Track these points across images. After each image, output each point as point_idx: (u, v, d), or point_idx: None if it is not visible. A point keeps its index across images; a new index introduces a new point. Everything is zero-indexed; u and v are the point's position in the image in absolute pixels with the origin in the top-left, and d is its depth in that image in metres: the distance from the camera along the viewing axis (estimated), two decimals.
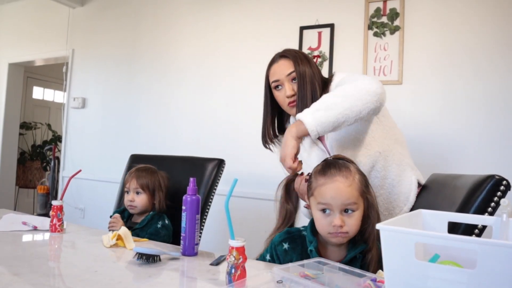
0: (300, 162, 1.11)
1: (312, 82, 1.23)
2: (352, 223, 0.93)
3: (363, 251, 0.97)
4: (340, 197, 0.93)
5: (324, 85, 1.27)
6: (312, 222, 1.03)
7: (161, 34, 3.16)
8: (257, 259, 1.12)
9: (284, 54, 1.28)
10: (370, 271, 0.93)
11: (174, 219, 1.47)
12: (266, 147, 1.38)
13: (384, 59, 2.28)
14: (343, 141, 1.22)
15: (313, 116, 1.04)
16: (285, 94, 1.25)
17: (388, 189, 1.27)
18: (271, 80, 1.29)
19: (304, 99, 1.22)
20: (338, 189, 0.93)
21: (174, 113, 3.03)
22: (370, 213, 0.97)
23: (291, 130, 1.07)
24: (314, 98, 1.21)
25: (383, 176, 1.26)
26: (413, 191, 1.28)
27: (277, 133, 1.38)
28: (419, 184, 1.32)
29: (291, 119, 1.36)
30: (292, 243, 1.04)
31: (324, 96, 1.09)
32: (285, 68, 1.25)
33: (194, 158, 1.71)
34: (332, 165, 0.98)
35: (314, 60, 2.47)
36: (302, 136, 1.07)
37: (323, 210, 0.95)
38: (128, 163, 1.80)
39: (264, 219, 2.55)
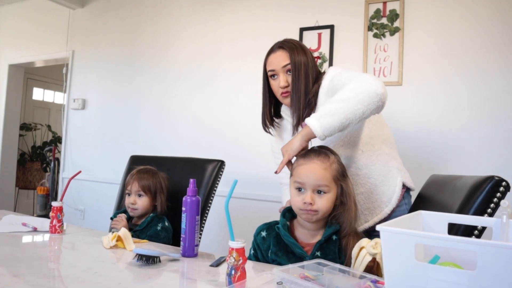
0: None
1: (307, 74, 1.27)
2: (322, 203, 1.01)
3: (338, 234, 1.03)
4: (314, 176, 1.01)
5: (317, 78, 1.29)
6: (286, 210, 1.12)
7: (161, 36, 3.17)
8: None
9: (282, 45, 1.31)
10: (345, 256, 0.99)
11: (174, 221, 1.46)
12: (266, 131, 1.44)
13: (384, 60, 2.28)
14: None
15: (319, 123, 1.08)
16: (279, 85, 1.29)
17: (370, 188, 1.28)
18: (267, 69, 1.33)
19: (298, 91, 1.26)
20: (313, 169, 1.02)
21: (174, 114, 3.04)
22: (345, 200, 1.04)
23: (301, 134, 1.12)
24: (307, 91, 1.26)
25: (365, 174, 1.27)
26: (396, 193, 1.28)
27: (274, 118, 1.43)
28: (404, 187, 1.32)
29: (285, 108, 1.40)
30: (269, 230, 1.12)
31: (329, 102, 1.12)
32: (281, 59, 1.29)
33: (194, 159, 1.71)
34: (314, 151, 1.08)
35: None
36: (311, 139, 1.12)
37: (299, 189, 1.04)
38: (128, 164, 1.80)
39: (264, 220, 2.55)
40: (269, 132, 1.44)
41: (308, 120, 1.11)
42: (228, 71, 2.82)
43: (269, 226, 1.13)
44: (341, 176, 1.05)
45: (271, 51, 1.34)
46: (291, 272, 0.83)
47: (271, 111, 1.41)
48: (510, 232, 0.70)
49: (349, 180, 1.08)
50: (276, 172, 1.14)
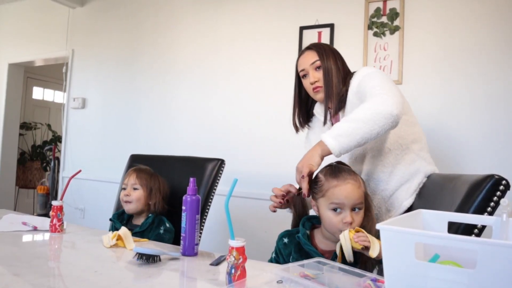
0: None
1: (336, 66, 1.34)
2: (358, 220, 1.04)
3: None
4: (353, 196, 1.04)
5: (346, 75, 1.35)
6: (305, 219, 1.15)
7: (161, 34, 3.16)
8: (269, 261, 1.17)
9: (309, 46, 1.40)
10: (370, 264, 1.00)
11: (174, 220, 1.46)
12: (297, 131, 1.50)
13: (384, 59, 2.28)
14: None
15: (337, 142, 1.12)
16: (309, 81, 1.36)
17: (395, 185, 1.30)
18: (298, 70, 1.41)
19: (330, 82, 1.32)
20: (350, 190, 1.04)
21: (174, 113, 3.03)
22: (368, 213, 1.08)
23: (317, 150, 1.14)
24: (339, 81, 1.32)
25: (390, 171, 1.30)
26: (417, 192, 1.31)
27: (306, 120, 1.49)
28: None
29: (316, 107, 1.45)
30: (290, 238, 1.14)
31: (345, 121, 1.15)
32: (309, 58, 1.36)
33: (194, 158, 1.71)
34: (342, 169, 1.09)
35: None
36: (327, 155, 1.15)
37: (334, 209, 1.04)
38: (128, 163, 1.80)
39: (264, 219, 2.56)
40: (299, 130, 1.50)
41: (325, 138, 1.13)
42: (228, 70, 2.81)
43: (290, 234, 1.15)
44: (367, 191, 1.11)
45: (300, 54, 1.41)
46: (291, 271, 0.83)
47: (304, 112, 1.47)
48: (510, 231, 0.70)
49: (368, 192, 1.14)
50: (305, 196, 1.12)
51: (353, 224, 1.02)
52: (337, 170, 1.09)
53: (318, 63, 1.34)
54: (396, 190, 1.30)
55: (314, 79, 1.34)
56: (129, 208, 1.48)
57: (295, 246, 1.11)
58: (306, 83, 1.38)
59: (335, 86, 1.31)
